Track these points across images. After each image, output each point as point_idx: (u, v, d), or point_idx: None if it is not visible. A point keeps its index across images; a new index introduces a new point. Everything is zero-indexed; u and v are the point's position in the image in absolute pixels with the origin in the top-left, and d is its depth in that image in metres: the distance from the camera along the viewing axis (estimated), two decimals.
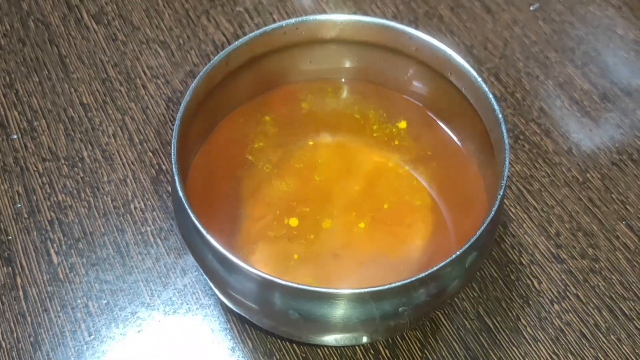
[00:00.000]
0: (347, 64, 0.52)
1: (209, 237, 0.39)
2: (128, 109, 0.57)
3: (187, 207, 0.40)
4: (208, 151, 0.49)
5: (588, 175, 0.55)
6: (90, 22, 0.62)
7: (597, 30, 0.63)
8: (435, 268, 0.39)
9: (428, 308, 0.42)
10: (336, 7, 0.64)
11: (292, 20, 0.48)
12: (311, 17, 0.48)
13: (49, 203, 0.52)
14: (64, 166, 0.54)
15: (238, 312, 0.45)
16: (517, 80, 0.60)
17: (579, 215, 0.53)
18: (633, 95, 0.59)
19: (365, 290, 0.38)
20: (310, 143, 0.51)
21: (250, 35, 0.47)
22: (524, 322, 0.49)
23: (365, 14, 0.63)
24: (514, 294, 0.50)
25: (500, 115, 0.44)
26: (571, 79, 0.60)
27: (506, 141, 0.43)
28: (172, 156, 0.41)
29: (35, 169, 0.54)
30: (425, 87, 0.50)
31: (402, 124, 0.51)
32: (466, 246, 0.39)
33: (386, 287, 0.38)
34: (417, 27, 0.62)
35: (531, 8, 0.64)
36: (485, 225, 0.40)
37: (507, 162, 0.42)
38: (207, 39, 0.61)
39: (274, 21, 0.62)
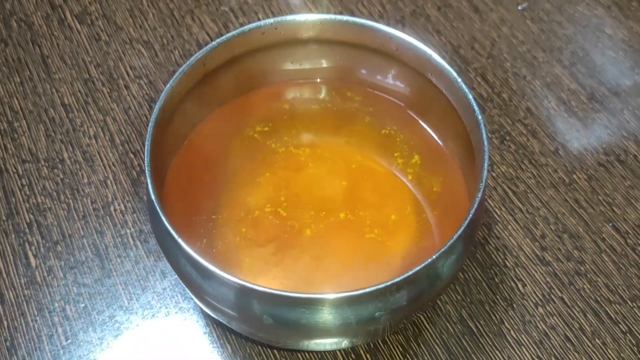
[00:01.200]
0: (329, 64, 0.51)
1: (181, 241, 0.39)
2: (110, 109, 0.57)
3: (159, 210, 0.40)
4: (189, 151, 0.49)
5: (574, 176, 0.54)
6: (74, 22, 0.62)
7: (586, 30, 0.62)
8: (410, 272, 0.38)
9: (406, 312, 0.41)
10: (322, 7, 0.63)
11: (271, 20, 0.48)
12: (290, 17, 0.48)
13: (27, 205, 0.52)
14: (44, 168, 0.53)
15: (215, 317, 0.44)
16: (504, 80, 0.59)
17: (565, 217, 0.52)
18: (621, 95, 0.58)
19: (339, 295, 0.37)
20: (292, 144, 0.50)
21: (227, 35, 0.47)
22: (508, 326, 0.48)
23: (352, 13, 0.62)
24: (497, 297, 0.49)
25: (480, 117, 0.43)
26: (559, 79, 0.59)
27: (485, 142, 0.42)
28: (146, 158, 0.41)
29: (14, 170, 0.53)
30: (407, 87, 0.50)
31: (385, 124, 0.50)
32: (442, 250, 0.39)
33: (360, 292, 0.37)
34: (403, 27, 0.62)
35: (519, 7, 0.63)
36: (463, 228, 0.39)
37: (485, 164, 0.41)
38: (191, 38, 0.61)
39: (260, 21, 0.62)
